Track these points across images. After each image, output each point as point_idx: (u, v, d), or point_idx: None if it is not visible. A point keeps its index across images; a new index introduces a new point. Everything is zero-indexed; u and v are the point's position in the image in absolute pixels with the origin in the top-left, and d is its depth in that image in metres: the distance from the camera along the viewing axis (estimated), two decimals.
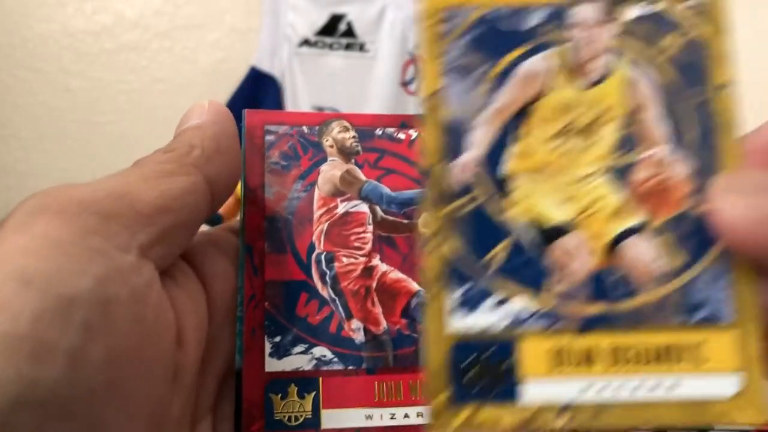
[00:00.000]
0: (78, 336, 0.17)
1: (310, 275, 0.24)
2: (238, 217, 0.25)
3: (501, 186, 0.19)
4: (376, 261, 0.24)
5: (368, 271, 0.24)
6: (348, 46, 0.98)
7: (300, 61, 0.99)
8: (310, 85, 0.98)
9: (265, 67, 0.98)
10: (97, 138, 1.03)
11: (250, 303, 0.23)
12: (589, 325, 0.18)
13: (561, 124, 0.19)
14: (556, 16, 0.20)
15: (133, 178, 0.21)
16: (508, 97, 0.19)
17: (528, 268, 0.18)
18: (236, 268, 0.24)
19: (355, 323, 0.24)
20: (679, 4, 0.20)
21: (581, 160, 0.19)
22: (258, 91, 0.98)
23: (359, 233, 0.25)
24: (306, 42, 0.99)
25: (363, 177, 0.25)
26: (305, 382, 0.22)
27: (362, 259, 0.24)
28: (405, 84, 0.99)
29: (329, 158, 0.25)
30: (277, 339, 0.23)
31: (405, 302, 0.24)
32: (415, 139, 0.25)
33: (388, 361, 0.23)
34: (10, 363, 0.15)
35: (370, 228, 0.25)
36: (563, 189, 0.19)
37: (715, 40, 0.19)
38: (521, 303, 0.18)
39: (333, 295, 0.24)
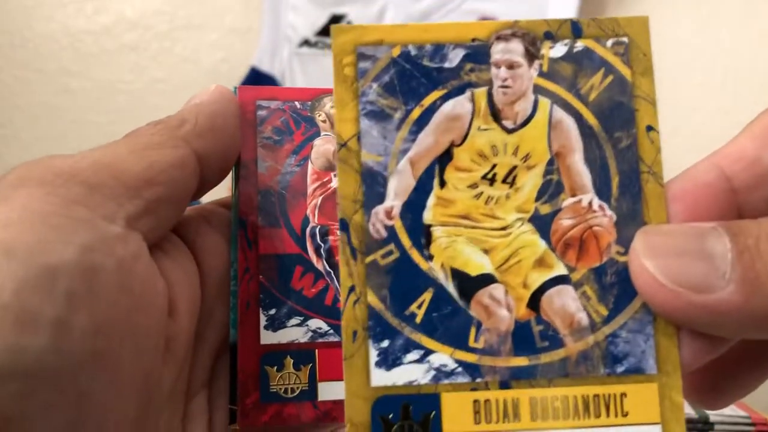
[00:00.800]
0: (62, 305, 0.16)
1: (304, 249, 0.24)
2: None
3: (422, 235, 0.18)
4: None
5: None
6: None
7: (300, 61, 0.99)
8: (311, 84, 0.98)
9: (265, 67, 0.98)
10: (97, 138, 1.03)
11: (245, 276, 0.23)
12: (512, 378, 0.18)
13: (484, 170, 0.19)
14: (478, 55, 0.19)
15: (120, 149, 0.21)
16: (429, 142, 0.19)
17: (450, 320, 0.18)
18: (229, 243, 0.24)
19: None
20: (605, 41, 0.19)
21: (504, 208, 0.19)
22: None
23: None
24: (306, 42, 0.99)
25: None
26: (301, 354, 0.22)
27: None
28: None
29: (322, 133, 0.25)
30: (272, 312, 0.23)
31: None
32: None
33: None
34: None
35: None
36: (485, 238, 0.19)
37: (641, 80, 0.19)
38: (444, 357, 0.18)
39: (328, 268, 0.24)
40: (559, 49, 0.19)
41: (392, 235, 0.18)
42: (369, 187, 0.19)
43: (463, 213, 0.19)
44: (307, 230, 0.24)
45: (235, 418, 0.22)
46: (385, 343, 0.18)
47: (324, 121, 0.25)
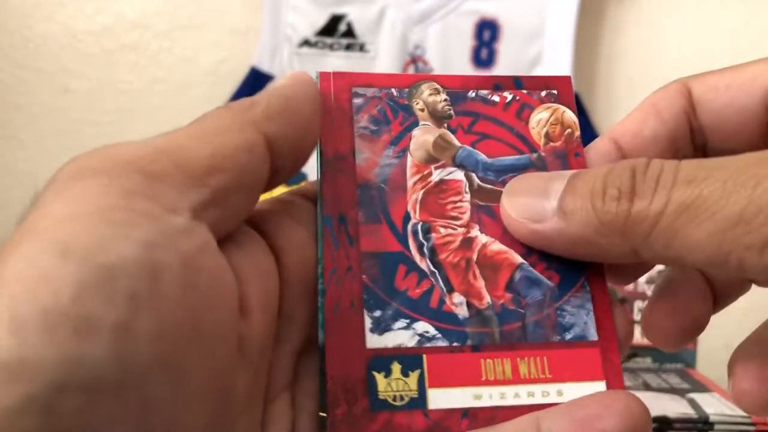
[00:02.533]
0: (124, 308, 0.15)
1: (407, 246, 0.22)
2: (306, 182, 0.23)
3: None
4: (475, 232, 0.23)
5: (467, 242, 0.23)
6: (348, 47, 0.98)
7: (300, 61, 0.98)
8: None
9: (266, 67, 0.98)
10: (97, 138, 1.03)
11: (347, 274, 0.22)
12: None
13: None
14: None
15: (183, 135, 0.19)
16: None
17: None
18: (314, 237, 0.22)
19: (457, 297, 0.22)
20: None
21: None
22: (258, 91, 0.98)
23: (456, 202, 0.23)
24: (306, 42, 0.98)
25: (457, 143, 0.24)
26: (408, 359, 0.21)
27: (461, 230, 0.23)
28: None
29: (420, 122, 0.24)
30: (377, 313, 0.21)
31: (508, 275, 0.22)
32: (510, 101, 0.25)
33: (494, 338, 0.22)
34: (52, 342, 0.14)
35: (467, 197, 0.23)
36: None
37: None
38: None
39: (432, 268, 0.22)
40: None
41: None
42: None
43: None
44: (409, 227, 0.23)
45: (325, 426, 0.20)
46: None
47: (422, 110, 0.24)
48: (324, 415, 0.20)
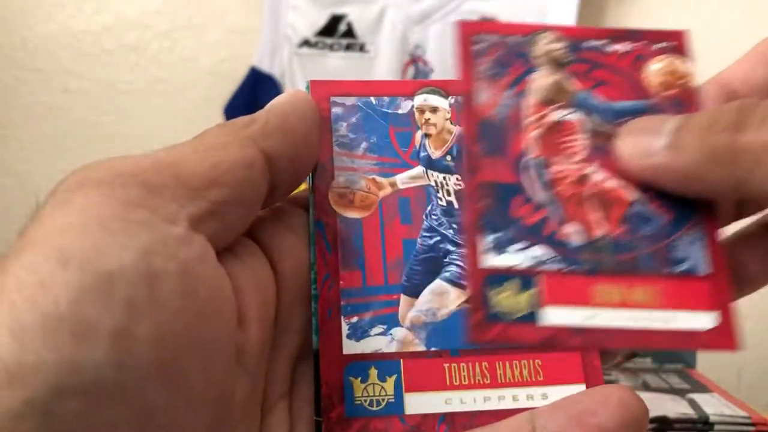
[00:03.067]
0: (122, 314, 0.15)
1: (523, 179, 0.23)
2: (301, 188, 0.24)
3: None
4: (590, 169, 0.23)
5: (583, 178, 0.23)
6: (348, 47, 0.98)
7: (300, 61, 0.98)
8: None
9: (265, 67, 0.98)
10: (97, 138, 1.03)
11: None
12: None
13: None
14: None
15: (183, 149, 0.20)
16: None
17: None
18: (307, 244, 0.23)
19: (572, 226, 0.22)
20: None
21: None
22: (258, 91, 0.98)
23: (572, 141, 0.24)
24: (306, 42, 0.98)
25: (574, 87, 0.24)
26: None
27: (576, 167, 0.23)
28: None
29: (539, 68, 0.24)
30: (497, 234, 0.22)
31: (622, 211, 0.23)
32: (627, 52, 0.25)
33: (607, 265, 0.22)
34: (51, 346, 0.14)
35: (583, 137, 0.24)
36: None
37: None
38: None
39: (548, 199, 0.23)
40: None
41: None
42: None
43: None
44: (526, 161, 0.23)
45: (320, 430, 0.21)
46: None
47: (541, 57, 0.24)
48: (319, 419, 0.21)
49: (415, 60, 0.99)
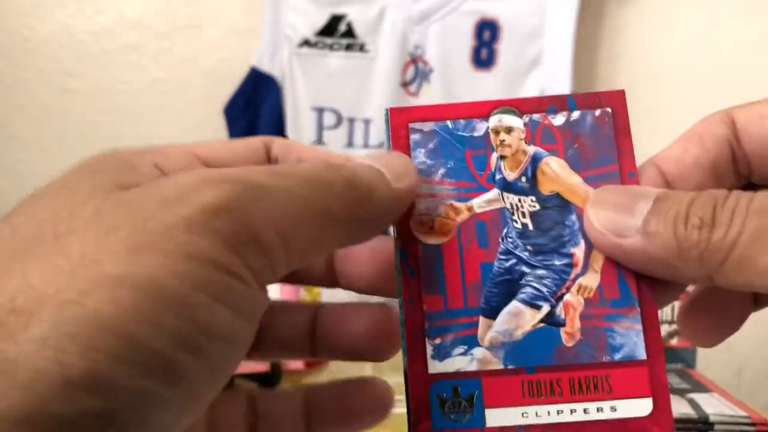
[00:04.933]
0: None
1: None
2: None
3: None
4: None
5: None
6: (348, 47, 0.98)
7: (300, 61, 0.99)
8: (310, 85, 0.98)
9: (265, 67, 0.98)
10: (97, 138, 1.03)
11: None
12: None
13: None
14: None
15: None
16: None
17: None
18: None
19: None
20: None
21: None
22: (258, 91, 0.98)
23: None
24: (306, 42, 0.99)
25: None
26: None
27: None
28: (405, 84, 0.98)
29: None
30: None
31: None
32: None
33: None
34: None
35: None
36: None
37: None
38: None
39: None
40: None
41: None
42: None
43: None
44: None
45: None
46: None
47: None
48: None
49: (415, 60, 0.99)
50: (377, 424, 0.25)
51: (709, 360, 0.80)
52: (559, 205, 0.24)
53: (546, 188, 0.24)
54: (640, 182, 0.24)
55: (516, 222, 0.24)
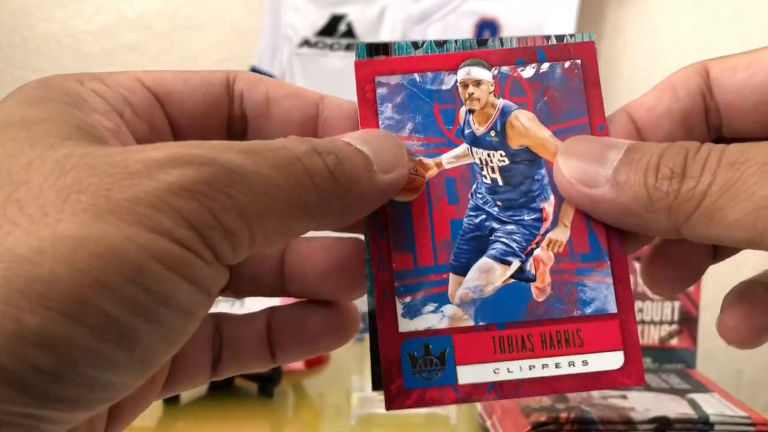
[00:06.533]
0: None
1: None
2: None
3: None
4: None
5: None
6: (348, 47, 0.98)
7: (300, 61, 0.99)
8: (311, 85, 0.97)
9: (266, 67, 0.98)
10: None
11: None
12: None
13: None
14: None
15: None
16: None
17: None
18: None
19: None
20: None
21: None
22: None
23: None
24: (306, 42, 0.99)
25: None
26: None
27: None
28: None
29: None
30: (408, 299, 0.23)
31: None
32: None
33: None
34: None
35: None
36: None
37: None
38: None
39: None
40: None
41: None
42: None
43: None
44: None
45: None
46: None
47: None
48: (380, 390, 0.23)
49: None
50: (339, 347, 0.24)
51: (709, 360, 0.80)
52: (528, 159, 0.24)
53: (515, 142, 0.24)
54: (611, 129, 0.24)
55: (485, 177, 0.24)
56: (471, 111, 0.24)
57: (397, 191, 0.22)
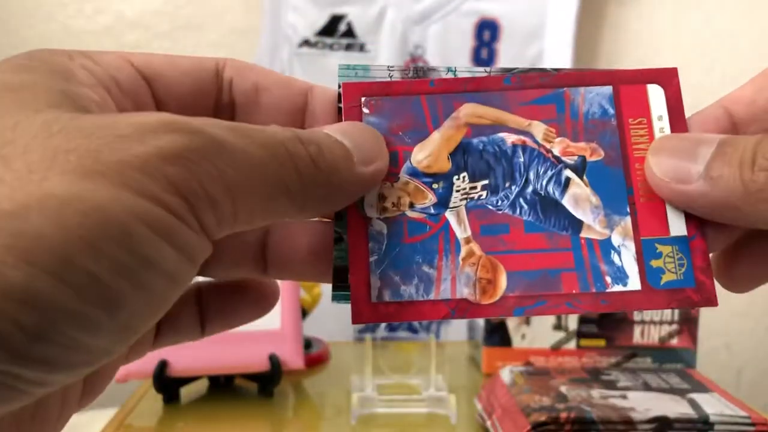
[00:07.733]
0: None
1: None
2: None
3: None
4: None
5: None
6: (348, 47, 0.98)
7: (300, 61, 0.99)
8: None
9: (265, 67, 0.98)
10: None
11: None
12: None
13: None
14: None
15: None
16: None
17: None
18: None
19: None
20: None
21: None
22: None
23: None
24: (306, 42, 0.99)
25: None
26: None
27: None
28: None
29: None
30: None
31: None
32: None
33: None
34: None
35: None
36: None
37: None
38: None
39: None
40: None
41: None
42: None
43: None
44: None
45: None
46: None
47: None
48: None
49: (415, 60, 0.99)
50: (257, 318, 0.25)
51: (709, 360, 0.80)
52: (494, 147, 0.23)
53: (455, 140, 0.23)
54: (699, 122, 0.24)
55: (479, 201, 0.23)
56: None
57: (376, 183, 0.22)
